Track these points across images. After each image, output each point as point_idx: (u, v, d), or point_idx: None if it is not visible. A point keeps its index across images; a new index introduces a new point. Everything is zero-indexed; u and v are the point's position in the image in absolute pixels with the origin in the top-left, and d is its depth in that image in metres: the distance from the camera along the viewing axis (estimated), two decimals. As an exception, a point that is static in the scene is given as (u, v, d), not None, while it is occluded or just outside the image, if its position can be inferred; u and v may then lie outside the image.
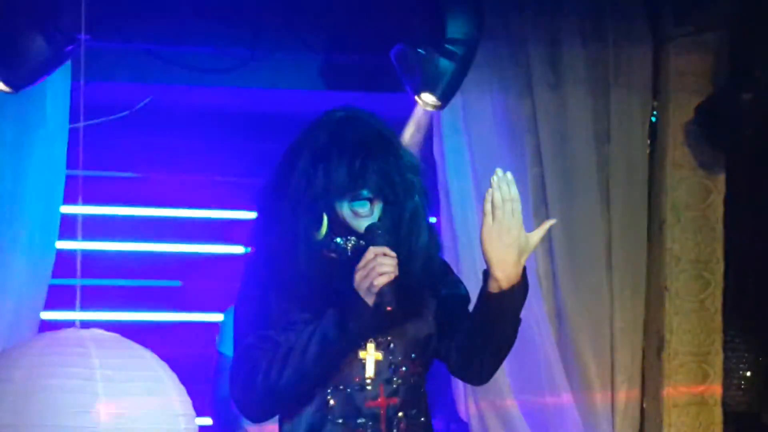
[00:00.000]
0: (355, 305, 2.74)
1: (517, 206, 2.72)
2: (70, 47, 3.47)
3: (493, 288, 2.75)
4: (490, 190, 2.71)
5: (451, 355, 2.94)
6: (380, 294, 2.73)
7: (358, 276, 2.73)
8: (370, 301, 2.73)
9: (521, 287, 2.76)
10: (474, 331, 2.86)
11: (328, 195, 2.80)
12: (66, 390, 2.83)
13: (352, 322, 2.75)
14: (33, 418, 2.81)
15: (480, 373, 2.95)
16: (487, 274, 2.77)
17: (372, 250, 2.74)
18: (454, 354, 2.93)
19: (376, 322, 2.77)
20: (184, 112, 4.64)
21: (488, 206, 2.71)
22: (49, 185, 3.79)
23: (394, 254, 2.74)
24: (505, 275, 2.73)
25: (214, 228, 5.07)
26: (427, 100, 3.82)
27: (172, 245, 5.01)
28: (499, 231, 2.73)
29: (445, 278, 3.01)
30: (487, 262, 2.74)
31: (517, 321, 2.80)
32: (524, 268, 2.75)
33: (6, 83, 3.54)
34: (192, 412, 2.96)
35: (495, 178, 2.72)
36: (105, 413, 2.81)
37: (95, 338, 3.00)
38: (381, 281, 2.71)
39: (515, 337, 2.84)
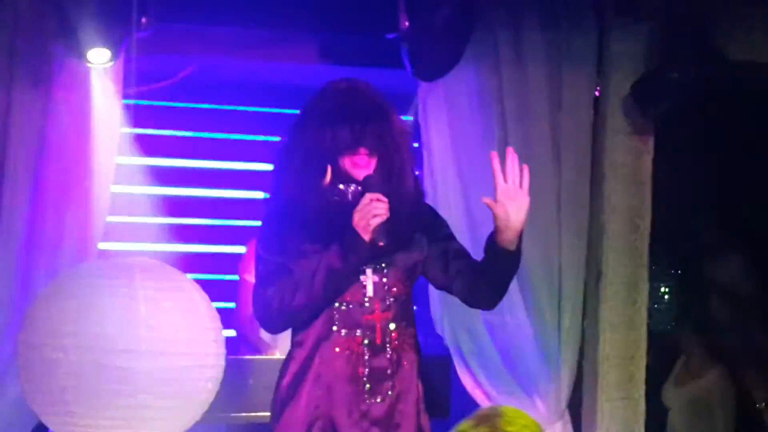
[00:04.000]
0: (354, 241, 2.95)
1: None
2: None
3: (510, 246, 2.95)
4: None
5: (459, 290, 3.10)
6: (374, 232, 2.95)
7: (356, 217, 2.94)
8: (366, 237, 2.95)
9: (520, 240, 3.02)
10: (486, 277, 3.04)
11: (333, 150, 2.99)
12: (115, 307, 3.14)
13: (352, 255, 2.96)
14: (90, 327, 3.14)
15: (492, 302, 3.14)
16: (494, 237, 2.94)
17: (368, 196, 2.95)
18: (465, 289, 3.08)
19: (372, 255, 2.98)
20: (217, 83, 4.94)
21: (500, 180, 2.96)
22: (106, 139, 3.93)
23: (386, 199, 2.95)
24: (516, 235, 2.96)
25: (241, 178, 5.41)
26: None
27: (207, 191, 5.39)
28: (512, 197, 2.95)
29: (436, 220, 3.16)
30: (503, 223, 2.92)
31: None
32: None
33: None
34: (219, 326, 3.32)
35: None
36: (146, 326, 3.13)
37: (141, 265, 3.32)
38: (375, 222, 2.94)
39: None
